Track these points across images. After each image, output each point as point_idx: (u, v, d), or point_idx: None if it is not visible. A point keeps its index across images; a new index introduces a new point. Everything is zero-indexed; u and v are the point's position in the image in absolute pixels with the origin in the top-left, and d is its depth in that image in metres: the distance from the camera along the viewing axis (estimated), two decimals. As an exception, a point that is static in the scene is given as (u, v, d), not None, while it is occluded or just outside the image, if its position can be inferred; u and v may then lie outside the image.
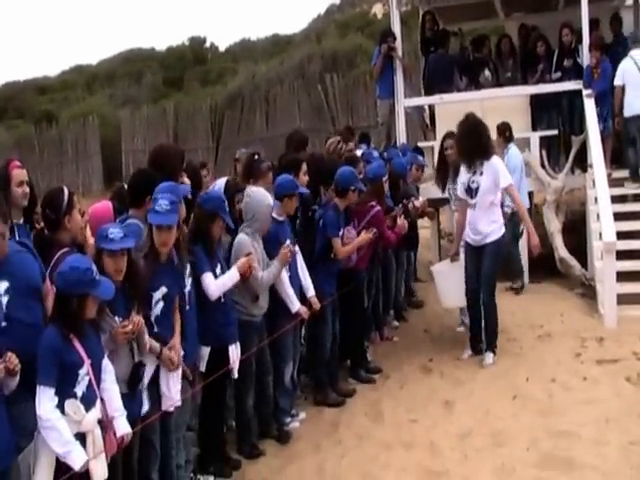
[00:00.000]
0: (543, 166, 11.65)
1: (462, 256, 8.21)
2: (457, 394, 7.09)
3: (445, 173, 8.96)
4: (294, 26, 74.82)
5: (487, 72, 13.06)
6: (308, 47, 31.59)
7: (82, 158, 27.26)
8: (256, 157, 6.83)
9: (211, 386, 5.42)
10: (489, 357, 7.80)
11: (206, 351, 5.44)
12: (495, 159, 7.84)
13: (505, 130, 10.79)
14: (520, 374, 7.44)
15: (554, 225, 11.09)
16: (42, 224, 4.94)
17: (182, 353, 5.00)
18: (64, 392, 3.94)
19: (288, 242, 6.22)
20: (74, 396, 3.99)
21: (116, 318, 4.42)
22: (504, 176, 7.79)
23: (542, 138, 11.95)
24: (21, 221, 5.11)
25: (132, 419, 4.41)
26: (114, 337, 4.38)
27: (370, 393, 7.39)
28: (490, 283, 7.89)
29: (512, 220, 10.50)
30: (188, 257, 5.21)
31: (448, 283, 8.36)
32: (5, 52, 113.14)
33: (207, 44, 43.03)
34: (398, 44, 12.84)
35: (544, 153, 11.83)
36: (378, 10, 39.31)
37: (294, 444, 6.39)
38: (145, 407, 4.77)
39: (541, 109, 12.43)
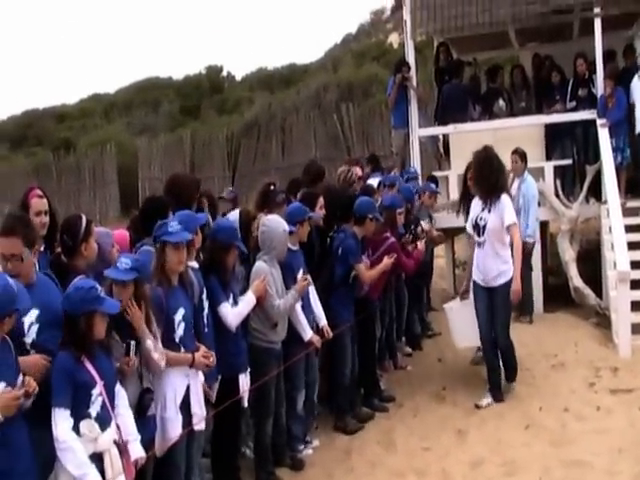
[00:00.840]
0: (557, 195, 11.68)
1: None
2: (470, 423, 7.09)
3: (469, 203, 8.52)
4: (310, 55, 75.43)
5: (501, 102, 13.14)
6: (324, 76, 31.79)
7: (99, 185, 27.46)
8: (272, 187, 6.90)
9: (223, 414, 5.44)
10: (512, 386, 7.85)
11: (217, 379, 5.47)
12: (505, 197, 7.56)
13: (525, 155, 10.80)
14: (533, 404, 7.44)
15: (569, 254, 11.08)
16: (59, 249, 5.02)
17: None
18: (79, 413, 4.00)
19: (301, 272, 6.30)
20: (88, 416, 4.05)
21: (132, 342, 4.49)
22: (509, 214, 7.46)
23: (556, 167, 11.99)
24: (42, 248, 5.22)
25: (144, 444, 4.43)
26: (121, 370, 4.45)
27: (383, 421, 7.40)
28: (505, 326, 7.68)
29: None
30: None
31: (460, 322, 8.13)
32: (24, 80, 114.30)
33: (224, 73, 43.37)
34: (412, 74, 12.93)
35: (558, 182, 11.87)
36: (394, 40, 39.47)
37: (307, 471, 6.41)
38: (177, 431, 4.83)
39: (555, 138, 12.49)
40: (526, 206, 10.53)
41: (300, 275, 6.33)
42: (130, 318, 4.51)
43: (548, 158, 12.32)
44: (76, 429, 3.98)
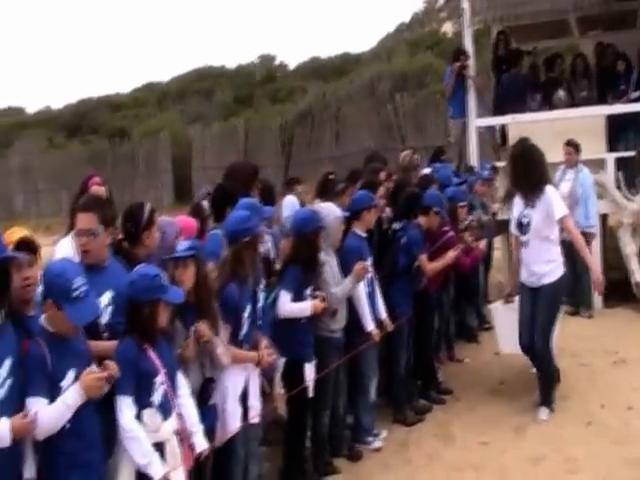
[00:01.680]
0: (619, 188, 11.42)
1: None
2: (528, 419, 6.94)
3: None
4: (363, 45, 75.01)
5: (561, 92, 12.87)
6: (378, 66, 31.60)
7: (153, 174, 27.73)
8: (331, 177, 6.84)
9: (291, 404, 5.43)
10: (543, 412, 6.93)
11: (281, 362, 5.44)
12: (549, 189, 6.93)
13: (578, 147, 10.61)
14: (594, 400, 7.26)
15: (630, 248, 10.81)
16: (121, 236, 5.00)
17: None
18: (141, 402, 3.99)
19: (369, 260, 6.24)
20: (151, 405, 4.03)
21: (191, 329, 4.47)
22: (558, 207, 6.85)
23: (618, 160, 11.72)
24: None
25: (204, 433, 4.42)
26: (182, 356, 4.43)
27: (440, 414, 7.30)
28: (546, 331, 6.94)
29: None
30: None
31: (505, 326, 7.52)
32: (79, 70, 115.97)
33: (277, 62, 43.50)
34: (471, 62, 12.75)
35: (620, 175, 11.60)
36: (448, 29, 39.11)
37: (364, 462, 6.35)
38: (236, 423, 4.83)
39: (618, 129, 12.18)
40: (584, 196, 10.38)
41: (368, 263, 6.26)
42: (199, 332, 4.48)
43: (610, 150, 12.04)
44: (138, 418, 3.97)
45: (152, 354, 4.06)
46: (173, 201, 25.95)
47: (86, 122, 37.23)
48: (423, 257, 7.14)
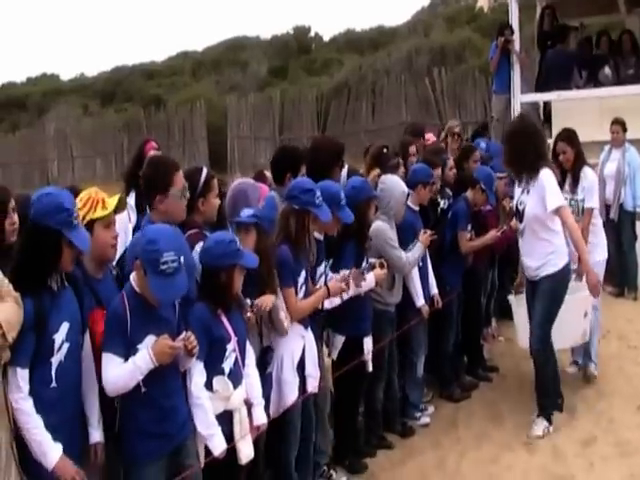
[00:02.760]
0: (666, 168, 11.24)
1: None
2: (578, 399, 6.90)
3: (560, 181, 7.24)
4: (397, 18, 74.21)
5: (607, 69, 12.69)
6: (415, 40, 31.26)
7: (189, 142, 27.71)
8: (385, 150, 6.78)
9: (346, 377, 5.40)
10: (539, 426, 6.26)
11: (340, 340, 5.44)
12: (544, 173, 6.20)
13: (625, 125, 10.47)
14: (644, 384, 7.21)
15: (677, 230, 10.67)
16: None
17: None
18: (212, 368, 4.01)
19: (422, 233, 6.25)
20: (222, 372, 4.06)
21: (247, 300, 4.45)
22: (552, 195, 6.12)
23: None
24: None
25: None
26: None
27: (488, 392, 7.28)
28: (541, 329, 6.29)
29: (627, 219, 10.25)
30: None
31: (519, 318, 6.92)
32: (113, 37, 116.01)
33: (311, 34, 43.15)
34: (516, 37, 12.59)
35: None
36: (484, 4, 38.62)
37: (415, 439, 6.38)
38: (294, 393, 4.83)
39: (665, 109, 12.00)
40: (632, 175, 10.28)
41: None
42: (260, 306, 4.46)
43: (657, 129, 11.84)
44: (208, 385, 3.98)
45: (225, 320, 4.07)
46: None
47: (120, 90, 37.21)
48: (463, 234, 7.05)
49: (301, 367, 4.95)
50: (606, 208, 10.42)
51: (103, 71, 42.44)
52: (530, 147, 6.23)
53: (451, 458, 5.94)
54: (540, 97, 13.06)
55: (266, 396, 4.62)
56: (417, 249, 6.11)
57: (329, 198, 5.02)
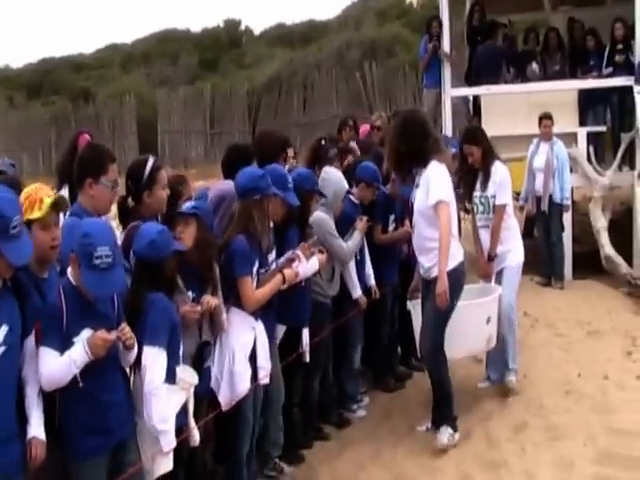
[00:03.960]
0: (590, 162, 11.57)
1: None
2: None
3: (471, 183, 7.02)
4: (328, 12, 74.12)
5: (535, 65, 12.96)
6: (346, 34, 31.48)
7: (119, 136, 27.43)
8: (323, 142, 6.81)
9: (283, 369, 5.42)
10: (444, 434, 5.90)
11: (281, 330, 5.46)
12: (432, 166, 5.79)
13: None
14: (571, 370, 7.39)
15: (600, 222, 10.98)
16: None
17: None
18: (173, 357, 3.99)
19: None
20: (179, 361, 4.08)
21: (189, 293, 4.45)
22: (436, 188, 5.68)
23: (589, 134, 11.85)
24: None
25: (200, 396, 4.45)
26: (182, 317, 4.34)
27: (422, 381, 7.34)
28: (430, 334, 5.88)
29: (556, 211, 10.53)
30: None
31: (418, 326, 6.30)
32: (40, 28, 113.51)
33: (242, 27, 43.00)
34: (445, 33, 12.72)
35: (591, 149, 11.75)
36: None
37: (349, 430, 6.43)
38: (246, 385, 4.84)
39: (589, 104, 12.31)
40: (560, 168, 10.57)
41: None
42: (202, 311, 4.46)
43: (581, 124, 12.17)
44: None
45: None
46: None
47: (47, 82, 36.52)
48: (377, 226, 6.93)
49: (252, 359, 4.93)
50: (537, 200, 10.70)
51: (29, 63, 41.61)
52: (420, 139, 5.79)
53: (387, 448, 6.00)
54: (470, 91, 13.27)
55: (205, 390, 4.62)
56: (355, 237, 6.17)
57: (277, 181, 5.05)
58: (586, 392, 6.85)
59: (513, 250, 6.91)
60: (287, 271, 5.12)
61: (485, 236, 6.88)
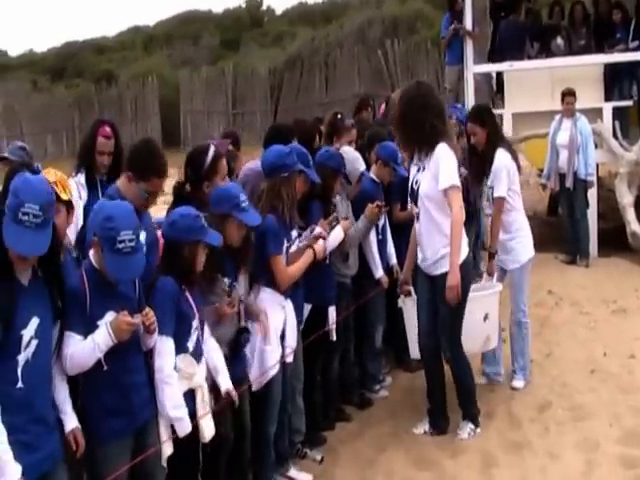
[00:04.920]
0: (615, 138, 11.39)
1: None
2: (532, 366, 6.95)
3: (481, 167, 6.71)
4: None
5: (559, 40, 12.75)
6: (367, 12, 31.19)
7: (141, 118, 27.49)
8: (339, 116, 6.81)
9: (305, 349, 5.36)
10: (465, 429, 5.75)
11: (307, 308, 5.41)
12: (441, 148, 5.37)
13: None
14: (596, 348, 7.33)
15: (627, 199, 10.82)
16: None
17: None
18: (178, 346, 3.93)
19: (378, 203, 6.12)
20: (186, 351, 3.99)
21: (225, 280, 4.42)
22: (445, 174, 5.30)
23: (615, 109, 11.67)
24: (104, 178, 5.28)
25: (238, 381, 4.41)
26: (220, 312, 4.35)
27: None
28: (452, 331, 5.57)
29: (580, 188, 10.39)
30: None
31: (410, 324, 6.02)
32: (63, 12, 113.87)
33: (263, 7, 42.84)
34: (468, 10, 12.53)
35: (617, 124, 11.56)
36: (436, -25, 38.61)
37: (371, 410, 6.39)
38: (276, 364, 4.80)
39: (615, 79, 12.12)
40: (584, 144, 10.42)
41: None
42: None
43: (607, 99, 11.98)
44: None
45: (189, 296, 4.02)
46: (161, 145, 25.70)
47: (71, 65, 36.66)
48: (395, 205, 6.81)
49: (281, 338, 4.92)
50: (560, 177, 10.57)
51: (53, 47, 41.79)
52: (427, 117, 5.35)
53: (408, 428, 5.94)
54: (492, 67, 13.06)
55: (241, 376, 4.58)
56: (360, 223, 5.91)
57: (299, 158, 5.04)
58: (611, 371, 6.79)
59: (516, 250, 6.40)
60: (317, 246, 5.09)
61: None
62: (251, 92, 26.58)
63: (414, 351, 6.05)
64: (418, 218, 5.55)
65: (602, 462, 5.23)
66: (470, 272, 5.62)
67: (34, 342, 3.29)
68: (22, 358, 3.25)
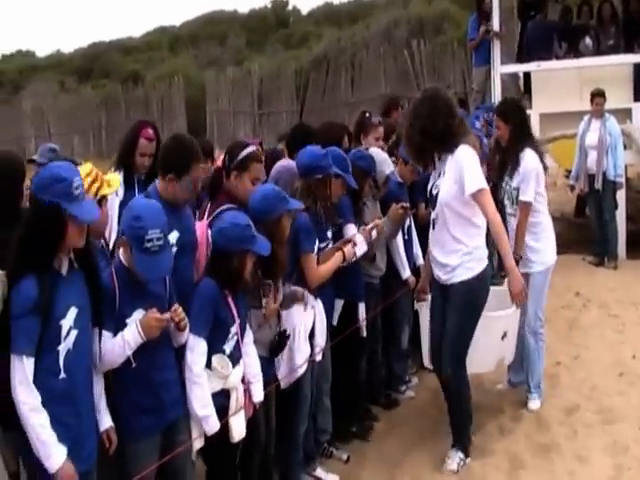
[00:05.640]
0: (644, 138, 11.27)
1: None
2: (560, 368, 6.95)
3: (502, 162, 6.42)
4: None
5: (588, 39, 12.66)
6: (394, 12, 31.10)
7: (167, 118, 27.52)
8: (367, 115, 6.81)
9: (344, 346, 5.36)
10: (454, 459, 5.32)
11: (339, 304, 5.41)
12: (463, 151, 5.10)
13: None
14: (625, 351, 7.28)
15: (655, 199, 10.76)
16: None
17: None
18: (213, 348, 3.95)
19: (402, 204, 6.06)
20: (222, 352, 4.00)
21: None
22: (472, 176, 5.01)
23: (644, 110, 11.55)
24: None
25: (267, 381, 4.41)
26: (267, 313, 4.40)
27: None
28: (456, 348, 5.23)
29: (609, 189, 10.31)
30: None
31: (425, 331, 5.78)
32: (89, 13, 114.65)
33: (289, 7, 42.89)
34: (495, 9, 12.47)
35: (646, 125, 11.45)
36: (463, -25, 38.45)
37: (397, 411, 6.38)
38: (305, 363, 4.80)
39: (644, 79, 12.01)
40: (613, 145, 10.35)
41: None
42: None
43: (636, 99, 11.86)
44: (207, 362, 3.94)
45: (231, 302, 4.02)
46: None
47: (98, 66, 36.92)
48: (419, 205, 6.67)
49: (310, 337, 4.93)
50: (589, 178, 10.50)
51: (80, 47, 42.07)
52: (437, 120, 5.07)
53: (434, 429, 5.91)
54: (520, 68, 13.02)
55: (271, 378, 4.57)
56: (384, 225, 5.70)
57: (337, 163, 5.06)
58: (640, 374, 6.72)
59: (542, 251, 6.09)
60: (347, 249, 5.09)
61: (514, 224, 6.10)
62: (277, 92, 26.57)
63: (426, 359, 5.82)
64: (434, 225, 5.30)
65: (632, 466, 5.19)
66: (488, 286, 5.34)
67: (74, 332, 3.32)
68: (63, 348, 3.29)
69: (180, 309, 3.68)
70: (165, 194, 4.13)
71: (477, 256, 5.16)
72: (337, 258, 5.03)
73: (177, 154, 4.20)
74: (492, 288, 5.45)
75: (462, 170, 5.02)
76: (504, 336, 5.57)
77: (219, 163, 5.39)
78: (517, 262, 5.73)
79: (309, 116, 24.23)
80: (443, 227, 5.18)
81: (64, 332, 3.28)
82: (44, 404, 3.20)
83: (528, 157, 6.04)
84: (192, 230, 4.28)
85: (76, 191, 3.25)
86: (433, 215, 5.31)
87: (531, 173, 6.00)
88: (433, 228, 5.33)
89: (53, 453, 3.21)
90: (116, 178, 4.03)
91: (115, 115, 28.59)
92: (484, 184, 5.04)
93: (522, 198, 6.01)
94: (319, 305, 5.00)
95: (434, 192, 5.25)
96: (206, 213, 4.56)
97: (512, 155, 6.13)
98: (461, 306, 5.16)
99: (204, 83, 27.83)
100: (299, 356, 4.75)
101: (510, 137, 6.16)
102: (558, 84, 11.89)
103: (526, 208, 6.00)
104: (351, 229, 5.37)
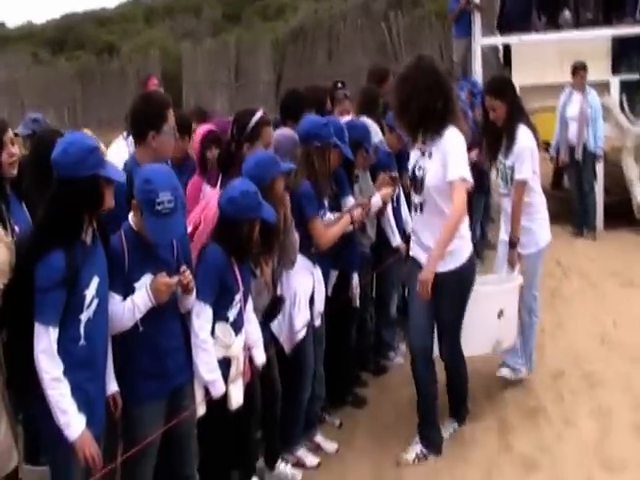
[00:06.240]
0: (622, 111, 11.41)
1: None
2: (544, 336, 7.03)
3: (496, 141, 6.04)
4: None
5: (567, 12, 12.72)
6: (371, -16, 31.06)
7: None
8: (339, 85, 6.95)
9: (335, 314, 5.44)
10: (413, 449, 5.20)
11: (334, 275, 5.47)
12: (450, 134, 4.88)
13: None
14: (605, 319, 7.41)
15: (633, 172, 10.87)
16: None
17: None
18: (216, 315, 3.99)
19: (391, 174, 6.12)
20: (226, 320, 4.05)
21: None
22: (455, 164, 4.80)
23: (622, 83, 11.67)
24: None
25: (265, 345, 4.48)
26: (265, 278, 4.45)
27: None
28: (453, 330, 5.18)
29: (589, 160, 10.45)
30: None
31: None
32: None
33: (265, -22, 42.53)
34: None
35: (624, 98, 11.58)
36: (439, -53, 38.31)
37: (386, 377, 6.50)
38: (305, 328, 4.89)
39: (622, 52, 12.09)
40: (594, 117, 10.48)
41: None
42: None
43: (614, 72, 11.97)
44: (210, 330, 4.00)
45: (237, 270, 4.06)
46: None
47: (71, 37, 36.58)
48: (406, 175, 6.71)
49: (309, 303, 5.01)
50: (570, 150, 10.62)
51: (52, 18, 41.62)
52: (436, 98, 4.83)
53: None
54: (501, 40, 13.05)
55: (268, 341, 4.62)
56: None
57: (336, 133, 5.10)
58: (622, 341, 6.87)
59: (536, 233, 5.91)
60: (355, 212, 5.18)
61: (507, 204, 5.90)
62: (254, 64, 26.53)
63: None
64: (421, 209, 5.02)
65: (616, 429, 5.33)
66: (474, 271, 5.20)
67: (95, 301, 3.40)
68: (84, 317, 3.37)
69: (188, 271, 3.71)
70: (145, 157, 4.01)
71: (467, 239, 5.08)
72: (344, 221, 5.11)
73: (149, 109, 4.12)
74: (487, 276, 5.75)
75: (447, 155, 4.83)
76: (500, 314, 5.43)
77: (197, 135, 5.48)
78: (515, 245, 5.76)
79: (286, 88, 24.13)
80: (434, 211, 4.93)
81: (87, 302, 3.37)
82: (65, 369, 3.28)
83: (523, 134, 5.81)
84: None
85: (103, 155, 3.36)
86: (419, 199, 5.03)
87: (526, 151, 5.78)
88: (420, 212, 5.05)
89: (73, 422, 3.30)
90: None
91: (91, 87, 28.37)
92: (465, 174, 4.82)
93: (518, 177, 5.76)
94: (318, 271, 5.07)
95: (418, 173, 5.00)
96: (218, 186, 4.59)
97: (508, 134, 5.86)
98: (451, 295, 5.03)
99: (180, 55, 27.67)
100: (298, 322, 4.84)
101: (507, 115, 5.86)
102: (537, 56, 11.93)
103: (522, 187, 5.77)
104: (350, 201, 5.43)
